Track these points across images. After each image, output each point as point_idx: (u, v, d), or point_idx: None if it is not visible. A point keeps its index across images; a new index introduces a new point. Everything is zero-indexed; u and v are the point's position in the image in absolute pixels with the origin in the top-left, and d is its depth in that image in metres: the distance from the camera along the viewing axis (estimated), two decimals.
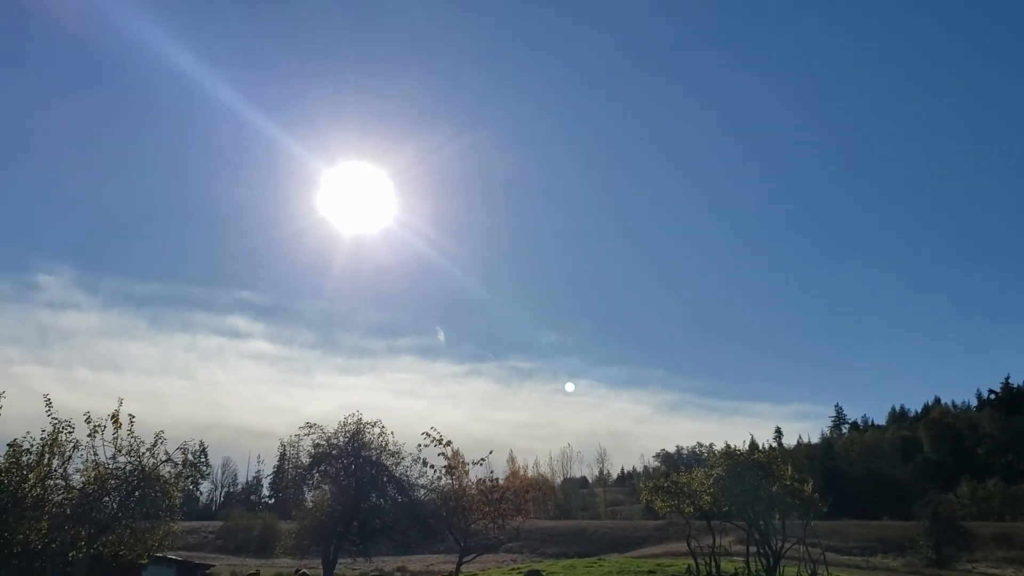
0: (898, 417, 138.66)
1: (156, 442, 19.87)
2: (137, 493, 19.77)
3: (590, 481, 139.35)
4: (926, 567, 53.53)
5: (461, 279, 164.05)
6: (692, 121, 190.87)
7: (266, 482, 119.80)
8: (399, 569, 56.58)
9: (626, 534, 77.38)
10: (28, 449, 18.23)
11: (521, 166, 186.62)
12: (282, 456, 35.39)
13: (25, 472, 18.10)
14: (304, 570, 54.03)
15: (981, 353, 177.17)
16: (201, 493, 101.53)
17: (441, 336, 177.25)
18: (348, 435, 27.90)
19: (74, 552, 19.03)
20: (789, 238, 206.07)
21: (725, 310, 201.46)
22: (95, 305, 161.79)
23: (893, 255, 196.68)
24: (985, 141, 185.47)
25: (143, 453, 19.71)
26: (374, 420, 28.35)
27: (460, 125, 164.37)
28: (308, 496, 30.32)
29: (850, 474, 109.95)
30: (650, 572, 32.16)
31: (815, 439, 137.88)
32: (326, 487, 28.74)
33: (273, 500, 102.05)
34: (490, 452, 30.67)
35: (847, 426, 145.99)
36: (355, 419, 28.14)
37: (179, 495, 20.61)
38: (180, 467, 20.30)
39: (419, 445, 28.33)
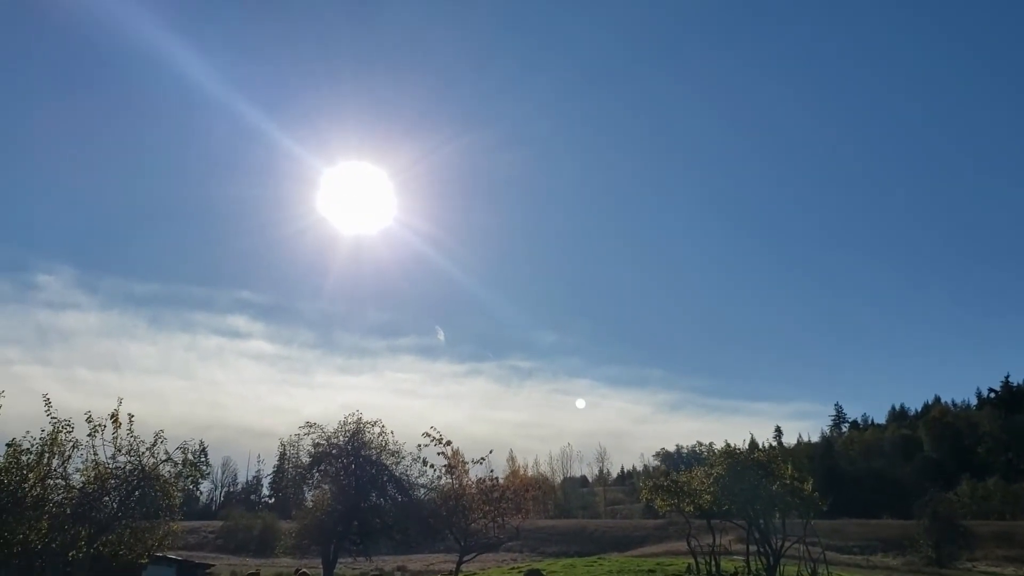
0: (898, 416, 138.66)
1: (156, 442, 19.85)
2: (137, 493, 19.75)
3: (590, 480, 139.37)
4: (926, 566, 53.57)
5: (461, 279, 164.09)
6: (691, 121, 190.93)
7: (266, 482, 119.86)
8: (399, 568, 56.62)
9: (626, 533, 77.41)
10: (28, 449, 18.20)
11: (521, 166, 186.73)
12: (282, 456, 35.34)
13: (25, 472, 18.07)
14: (304, 570, 53.98)
15: (981, 352, 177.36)
16: (201, 493, 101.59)
17: (441, 336, 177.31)
18: (348, 435, 27.88)
19: (74, 552, 19.01)
20: (789, 237, 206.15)
21: (725, 309, 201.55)
22: (95, 305, 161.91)
23: (893, 254, 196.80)
24: (985, 140, 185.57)
25: (143, 453, 19.68)
26: (374, 420, 28.36)
27: (460, 125, 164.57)
28: (308, 496, 30.31)
29: (850, 473, 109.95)
30: (650, 571, 32.15)
31: (815, 438, 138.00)
32: (326, 487, 28.73)
33: (273, 500, 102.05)
34: (490, 451, 30.65)
35: (847, 425, 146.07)
36: (355, 419, 28.13)
37: (179, 495, 20.57)
38: (180, 467, 20.27)
39: (419, 445, 28.35)
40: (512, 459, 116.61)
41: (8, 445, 18.12)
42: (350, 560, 35.10)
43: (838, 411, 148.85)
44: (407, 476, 28.30)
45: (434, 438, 28.19)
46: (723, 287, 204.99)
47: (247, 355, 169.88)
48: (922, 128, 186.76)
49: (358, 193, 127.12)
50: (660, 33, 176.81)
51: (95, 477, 19.20)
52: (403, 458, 28.32)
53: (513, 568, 39.55)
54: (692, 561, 32.06)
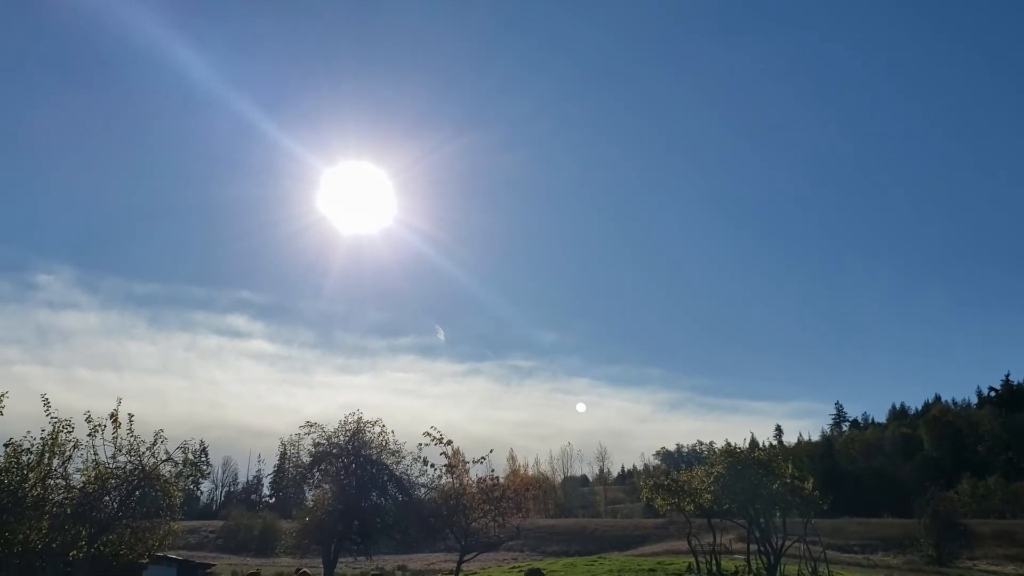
0: (898, 415, 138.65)
1: (156, 441, 19.80)
2: (137, 492, 19.71)
3: (590, 479, 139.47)
4: (927, 564, 53.56)
5: (461, 278, 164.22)
6: (691, 120, 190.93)
7: (267, 481, 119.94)
8: (400, 568, 56.64)
9: (627, 532, 77.43)
10: (28, 449, 18.17)
11: (521, 166, 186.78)
12: (282, 455, 35.31)
13: (25, 472, 18.04)
14: (305, 569, 54.05)
15: (981, 351, 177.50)
16: (202, 492, 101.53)
17: (441, 335, 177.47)
18: (348, 434, 27.84)
19: (75, 552, 18.99)
20: (789, 236, 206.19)
21: (725, 308, 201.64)
22: (95, 305, 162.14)
23: (893, 253, 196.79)
24: (985, 139, 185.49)
25: (143, 452, 19.62)
26: (374, 419, 28.28)
27: (460, 125, 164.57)
28: (308, 495, 30.21)
29: (851, 472, 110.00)
30: (651, 570, 32.13)
31: (815, 437, 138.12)
32: (327, 486, 28.67)
33: (273, 499, 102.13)
34: (491, 451, 30.51)
35: (847, 424, 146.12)
36: (355, 418, 28.07)
37: (180, 494, 20.52)
38: (180, 466, 20.22)
39: (420, 444, 28.30)
40: (512, 458, 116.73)
41: (5, 445, 18.10)
42: (351, 560, 35.08)
43: (838, 410, 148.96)
44: (407, 475, 28.26)
45: (435, 438, 28.16)
46: (723, 286, 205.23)
47: (247, 355, 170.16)
48: (922, 127, 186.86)
49: (358, 193, 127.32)
50: (660, 33, 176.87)
51: (95, 477, 19.16)
52: (403, 458, 28.28)
53: (514, 567, 39.55)
54: (693, 560, 32.05)
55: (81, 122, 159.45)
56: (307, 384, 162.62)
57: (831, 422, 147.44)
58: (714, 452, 41.35)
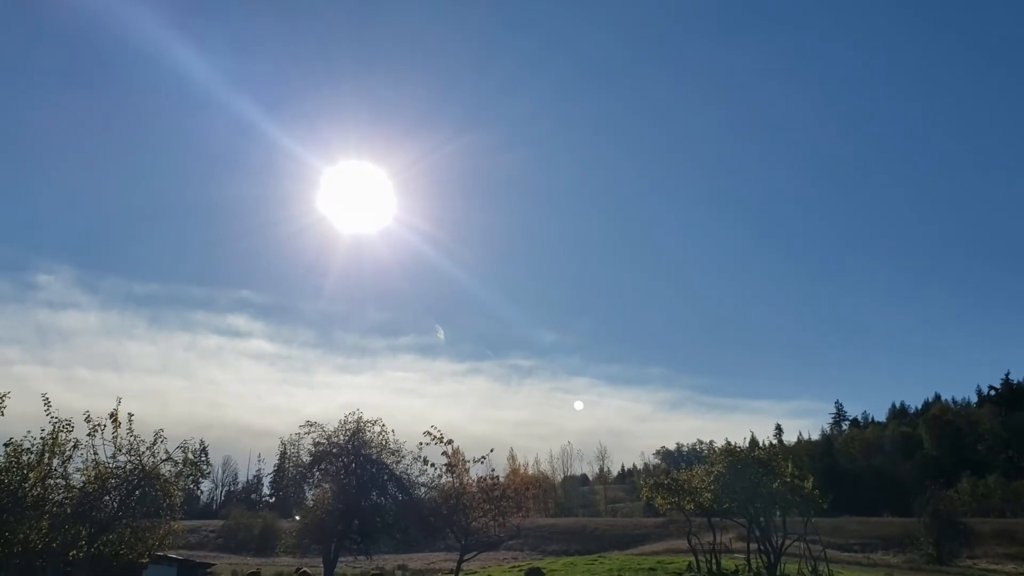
0: (898, 414, 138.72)
1: (156, 441, 19.78)
2: (137, 492, 19.70)
3: (590, 479, 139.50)
4: (927, 563, 53.58)
5: (461, 278, 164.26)
6: (691, 120, 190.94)
7: (267, 481, 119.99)
8: (400, 567, 56.63)
9: (627, 531, 77.45)
10: (28, 448, 18.15)
11: (521, 166, 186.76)
12: (282, 455, 35.31)
13: (25, 471, 18.02)
14: (305, 569, 54.06)
15: (981, 350, 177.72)
16: (202, 492, 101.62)
17: (441, 334, 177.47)
18: (348, 433, 27.84)
19: (75, 551, 18.98)
20: (789, 236, 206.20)
21: (725, 307, 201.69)
22: (95, 305, 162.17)
23: (893, 252, 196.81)
24: (986, 138, 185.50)
25: (143, 452, 19.61)
26: (374, 418, 28.28)
27: (460, 125, 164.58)
28: (309, 495, 30.20)
29: (850, 471, 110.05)
30: (651, 569, 32.11)
31: (815, 436, 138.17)
32: (327, 486, 28.67)
33: (273, 499, 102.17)
34: (491, 450, 30.49)
35: (847, 423, 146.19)
36: (355, 417, 28.07)
37: (180, 494, 20.51)
38: (180, 466, 20.21)
39: (420, 443, 28.30)
40: (512, 458, 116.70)
41: (6, 444, 18.08)
42: (351, 559, 35.12)
43: (838, 409, 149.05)
44: (408, 475, 28.26)
45: (435, 437, 28.16)
46: (723, 285, 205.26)
47: (247, 354, 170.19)
48: (923, 126, 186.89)
49: (358, 193, 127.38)
50: (660, 33, 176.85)
51: (95, 477, 19.15)
52: (403, 457, 28.28)
53: (514, 567, 39.54)
54: (693, 559, 32.04)
55: (81, 122, 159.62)
56: (307, 384, 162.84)
57: (831, 421, 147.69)
58: (714, 451, 41.42)
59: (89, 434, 19.00)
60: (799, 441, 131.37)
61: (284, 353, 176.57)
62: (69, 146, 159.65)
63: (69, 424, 18.62)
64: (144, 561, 20.89)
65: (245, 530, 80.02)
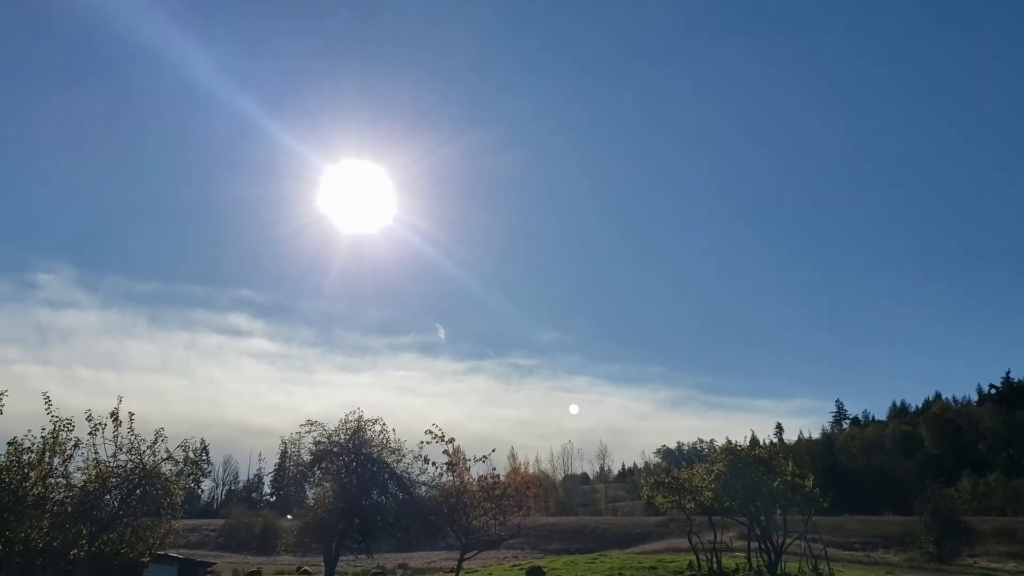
0: (899, 412, 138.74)
1: (157, 440, 19.79)
2: (138, 491, 19.72)
3: (591, 477, 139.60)
4: (927, 562, 53.53)
5: (461, 277, 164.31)
6: (691, 119, 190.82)
7: (267, 480, 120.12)
8: (400, 566, 56.58)
9: (627, 530, 77.44)
10: (29, 448, 18.17)
11: (521, 166, 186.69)
12: (283, 454, 35.44)
13: (26, 470, 18.04)
14: (306, 567, 54.16)
15: (982, 348, 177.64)
16: (202, 491, 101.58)
17: (441, 333, 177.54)
18: (349, 432, 27.84)
19: (75, 550, 18.99)
20: (790, 235, 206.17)
21: (725, 306, 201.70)
22: (95, 304, 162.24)
23: (894, 250, 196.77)
24: (986, 136, 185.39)
25: (144, 451, 19.62)
26: (375, 417, 28.29)
27: (460, 125, 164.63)
28: (309, 493, 30.21)
29: (851, 469, 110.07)
30: (651, 568, 32.13)
31: (816, 435, 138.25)
32: (327, 484, 28.68)
33: (274, 498, 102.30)
34: (492, 450, 30.52)
35: (848, 421, 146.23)
36: (356, 416, 28.09)
37: (180, 493, 20.53)
38: (181, 465, 20.23)
39: (420, 442, 28.30)
40: (513, 456, 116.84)
41: (9, 444, 18.09)
42: (351, 558, 35.10)
43: (839, 408, 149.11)
44: (408, 474, 28.26)
45: (436, 435, 28.16)
46: (724, 284, 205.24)
47: (247, 353, 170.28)
48: (925, 125, 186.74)
49: (358, 192, 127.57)
50: (660, 31, 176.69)
51: (96, 476, 19.16)
52: (404, 456, 28.29)
53: (515, 565, 39.56)
54: (693, 558, 32.05)
55: (81, 121, 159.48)
56: (307, 383, 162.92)
57: (832, 420, 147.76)
58: (715, 450, 41.38)
59: (90, 433, 19.02)
60: (800, 440, 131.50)
61: (284, 352, 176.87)
62: (69, 145, 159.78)
63: (70, 423, 18.64)
64: (145, 560, 20.92)
65: (246, 529, 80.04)
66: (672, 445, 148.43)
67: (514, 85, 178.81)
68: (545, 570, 32.62)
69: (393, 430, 28.34)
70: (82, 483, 19.17)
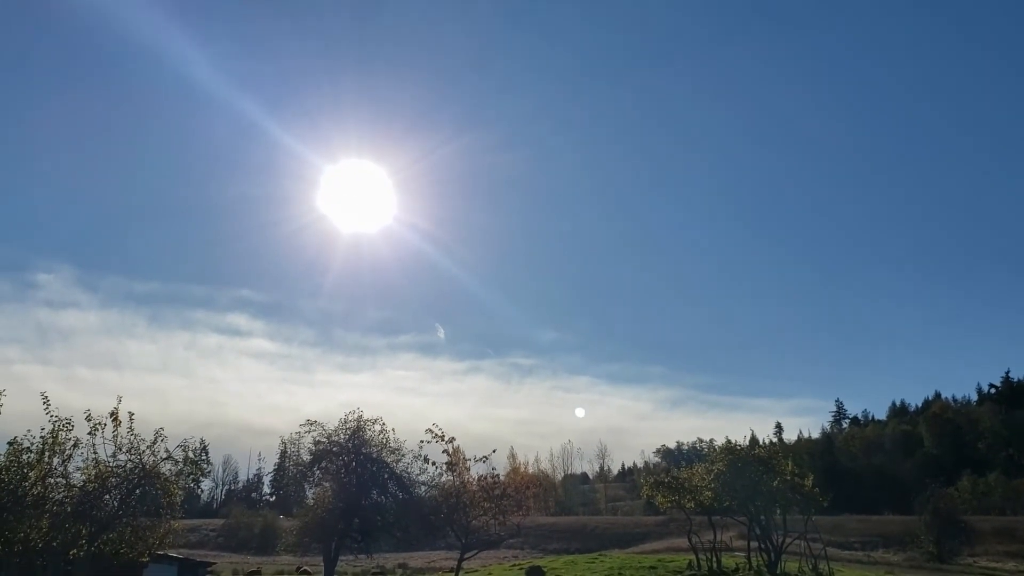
0: (898, 412, 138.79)
1: (156, 440, 19.76)
2: (138, 491, 19.69)
3: (591, 477, 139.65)
4: (927, 561, 53.53)
5: (461, 277, 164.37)
6: (691, 119, 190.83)
7: (267, 479, 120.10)
8: (400, 566, 56.58)
9: (627, 530, 77.44)
10: (29, 447, 18.14)
11: (521, 166, 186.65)
12: (283, 453, 35.33)
13: (26, 470, 18.01)
14: (305, 567, 54.16)
15: (981, 348, 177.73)
16: (202, 491, 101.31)
17: (441, 333, 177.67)
18: (349, 432, 27.84)
19: (75, 550, 18.97)
20: (790, 234, 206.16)
21: (725, 306, 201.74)
22: (95, 304, 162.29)
23: (894, 250, 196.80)
24: (986, 136, 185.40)
25: (143, 451, 19.59)
26: (375, 417, 28.30)
27: (460, 125, 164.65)
28: (309, 493, 30.20)
29: (851, 469, 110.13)
30: (651, 568, 32.11)
31: (816, 434, 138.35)
32: (327, 484, 28.67)
33: (274, 497, 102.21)
34: (493, 451, 30.49)
35: (847, 421, 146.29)
36: (356, 416, 28.08)
37: (180, 493, 20.50)
38: (181, 465, 20.20)
39: (420, 442, 28.29)
40: (513, 456, 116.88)
41: (9, 444, 18.07)
42: (351, 558, 35.12)
43: (839, 407, 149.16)
44: (408, 473, 28.25)
45: (437, 435, 28.15)
46: (723, 284, 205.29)
47: (247, 353, 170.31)
48: (925, 125, 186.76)
49: (358, 191, 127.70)
50: (660, 32, 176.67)
51: (96, 475, 19.13)
52: (404, 456, 28.28)
53: (514, 565, 39.54)
54: (693, 558, 32.04)
55: (81, 121, 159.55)
56: (307, 382, 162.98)
57: (831, 419, 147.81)
58: (714, 449, 41.36)
59: (90, 433, 18.99)
60: (799, 439, 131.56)
61: (284, 352, 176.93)
62: (69, 145, 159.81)
63: (69, 423, 18.61)
64: (144, 560, 20.89)
65: (246, 529, 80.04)
66: (672, 445, 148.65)
67: (514, 85, 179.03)
68: (545, 570, 32.60)
69: (393, 430, 28.37)
70: (82, 483, 19.14)
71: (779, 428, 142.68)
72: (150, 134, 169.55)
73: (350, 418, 28.02)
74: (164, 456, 19.90)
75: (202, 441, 20.81)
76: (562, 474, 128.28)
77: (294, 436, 28.38)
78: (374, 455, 27.95)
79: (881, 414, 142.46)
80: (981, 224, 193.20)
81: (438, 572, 48.36)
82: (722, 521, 34.74)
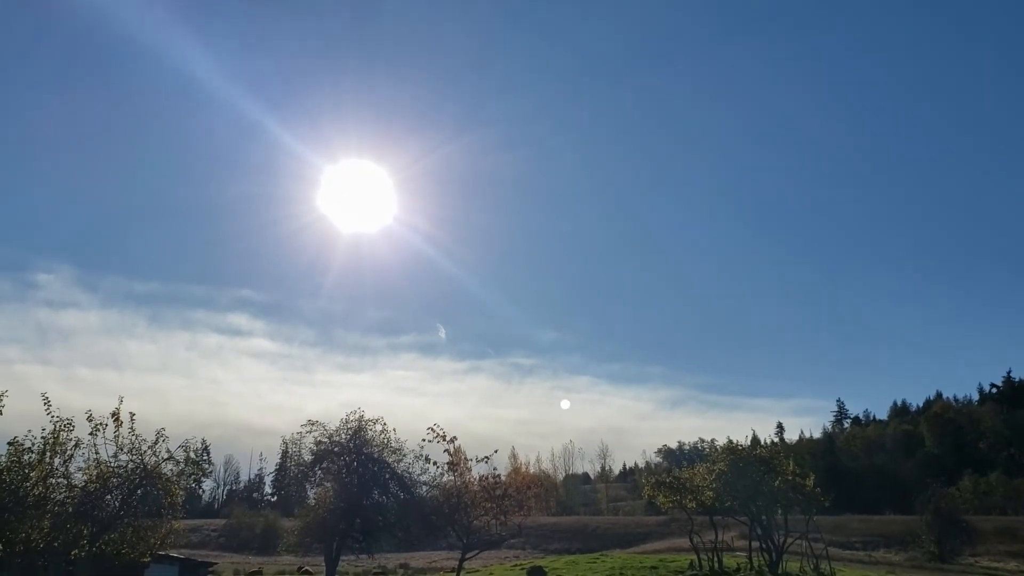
0: (900, 412, 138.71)
1: (157, 440, 19.76)
2: (139, 491, 19.68)
3: (592, 477, 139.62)
4: (929, 561, 53.50)
5: (461, 277, 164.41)
6: (691, 119, 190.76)
7: (268, 480, 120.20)
8: (401, 566, 56.59)
9: (628, 530, 77.41)
10: (30, 448, 18.14)
11: (521, 166, 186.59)
12: (284, 454, 35.40)
13: (27, 471, 18.01)
14: (307, 567, 54.17)
15: (983, 347, 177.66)
16: (203, 491, 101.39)
17: (442, 333, 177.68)
18: (350, 432, 27.84)
19: (76, 551, 18.96)
20: (790, 234, 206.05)
21: (726, 306, 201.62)
22: (95, 304, 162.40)
23: (895, 250, 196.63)
24: (987, 136, 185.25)
25: (145, 451, 19.60)
26: (376, 417, 28.31)
27: (460, 125, 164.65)
28: (310, 493, 30.21)
29: (852, 469, 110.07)
30: (652, 568, 32.10)
31: (817, 434, 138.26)
32: (328, 484, 28.67)
33: (275, 497, 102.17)
34: (495, 451, 30.45)
35: (849, 421, 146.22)
36: (357, 416, 28.08)
37: (181, 493, 20.49)
38: (182, 465, 20.20)
39: (421, 441, 28.28)
40: (514, 456, 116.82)
41: (10, 444, 18.07)
42: (352, 558, 35.10)
43: (840, 407, 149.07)
44: (409, 473, 28.25)
45: (438, 435, 28.14)
46: (724, 283, 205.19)
47: (248, 353, 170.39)
48: (926, 125, 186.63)
49: (358, 191, 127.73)
50: (660, 32, 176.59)
51: (97, 476, 19.13)
52: (405, 455, 28.28)
53: (516, 565, 39.54)
54: (695, 557, 32.03)
55: (81, 121, 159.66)
56: (308, 382, 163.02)
57: (833, 419, 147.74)
58: (716, 449, 41.42)
59: (91, 433, 18.99)
60: (801, 439, 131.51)
61: (285, 352, 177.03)
62: (69, 145, 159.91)
63: (70, 423, 18.61)
64: (146, 560, 20.87)
65: (247, 529, 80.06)
66: (673, 445, 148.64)
67: (514, 85, 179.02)
68: (546, 570, 32.60)
69: (394, 430, 28.38)
70: (83, 483, 19.14)
71: (780, 428, 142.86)
72: (150, 134, 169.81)
73: (351, 418, 28.04)
74: (165, 456, 19.90)
75: (203, 441, 20.79)
76: (563, 474, 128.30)
77: (295, 436, 28.41)
78: (375, 455, 27.95)
79: (882, 414, 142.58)
80: (981, 224, 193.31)
81: (439, 572, 48.37)
82: (723, 521, 34.71)
